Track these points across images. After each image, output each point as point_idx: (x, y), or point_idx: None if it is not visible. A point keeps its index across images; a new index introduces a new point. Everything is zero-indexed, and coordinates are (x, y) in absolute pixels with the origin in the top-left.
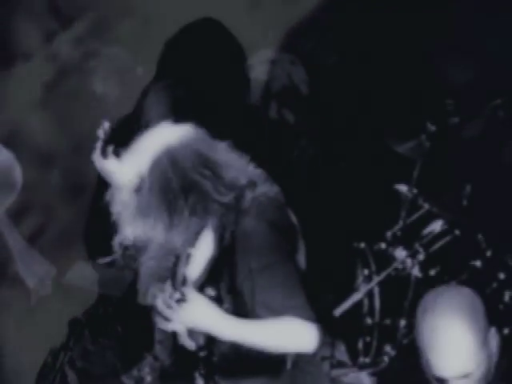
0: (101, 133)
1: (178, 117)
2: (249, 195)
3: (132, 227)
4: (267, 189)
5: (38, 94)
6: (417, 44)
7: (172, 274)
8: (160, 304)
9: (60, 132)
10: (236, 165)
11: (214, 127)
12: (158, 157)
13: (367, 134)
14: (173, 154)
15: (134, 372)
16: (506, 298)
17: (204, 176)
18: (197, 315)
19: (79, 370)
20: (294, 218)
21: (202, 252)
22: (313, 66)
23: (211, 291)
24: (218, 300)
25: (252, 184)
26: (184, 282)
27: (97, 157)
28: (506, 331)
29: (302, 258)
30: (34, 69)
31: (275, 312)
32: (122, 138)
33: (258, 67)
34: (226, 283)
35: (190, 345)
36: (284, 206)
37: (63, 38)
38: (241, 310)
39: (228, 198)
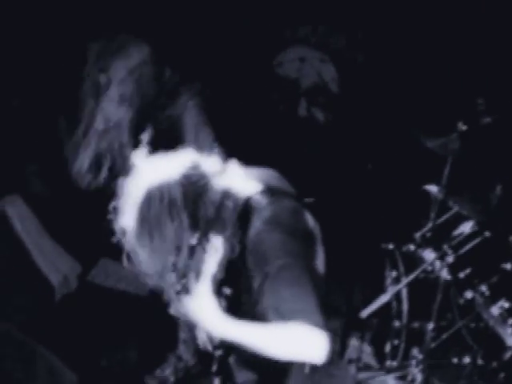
0: None
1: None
2: (264, 200)
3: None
4: (282, 193)
5: None
6: (448, 43)
7: (174, 266)
8: (168, 292)
9: None
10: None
11: (240, 126)
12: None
13: (397, 132)
14: None
15: (157, 372)
16: None
17: None
18: (196, 308)
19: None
20: (311, 223)
21: (218, 250)
22: (343, 64)
23: (227, 290)
24: (234, 299)
25: (267, 189)
26: (186, 274)
27: None
28: None
29: (320, 264)
30: None
31: (283, 315)
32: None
33: (288, 65)
34: (243, 283)
35: (206, 342)
36: (301, 210)
37: None
38: (255, 311)
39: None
